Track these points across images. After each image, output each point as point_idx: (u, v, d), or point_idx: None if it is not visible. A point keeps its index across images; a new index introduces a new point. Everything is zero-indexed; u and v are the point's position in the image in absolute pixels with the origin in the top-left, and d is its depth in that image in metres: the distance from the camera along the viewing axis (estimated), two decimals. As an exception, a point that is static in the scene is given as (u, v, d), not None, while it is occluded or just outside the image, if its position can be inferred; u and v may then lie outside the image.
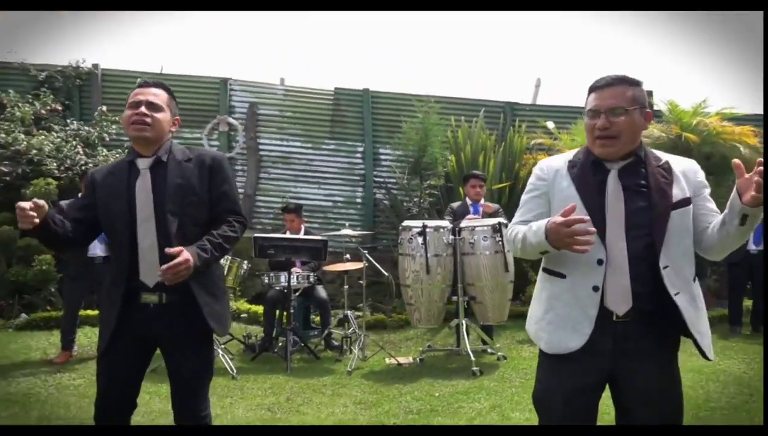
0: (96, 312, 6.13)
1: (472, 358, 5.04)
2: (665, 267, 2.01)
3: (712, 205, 2.13)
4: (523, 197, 2.24)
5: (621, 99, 2.06)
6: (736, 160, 1.92)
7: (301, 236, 5.95)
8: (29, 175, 7.12)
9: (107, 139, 7.99)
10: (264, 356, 5.56)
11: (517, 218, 2.22)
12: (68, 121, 8.02)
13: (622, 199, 2.06)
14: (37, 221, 2.29)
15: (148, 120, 2.48)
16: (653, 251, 2.02)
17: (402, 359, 5.45)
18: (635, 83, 2.10)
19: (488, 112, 8.75)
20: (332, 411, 4.12)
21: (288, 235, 6.02)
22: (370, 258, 5.77)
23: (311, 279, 5.73)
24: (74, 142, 7.55)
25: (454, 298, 5.32)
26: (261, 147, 8.86)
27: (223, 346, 5.44)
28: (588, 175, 2.10)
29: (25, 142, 7.18)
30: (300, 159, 8.94)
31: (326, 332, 5.85)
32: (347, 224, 6.39)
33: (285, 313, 5.70)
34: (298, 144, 8.96)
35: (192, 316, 2.43)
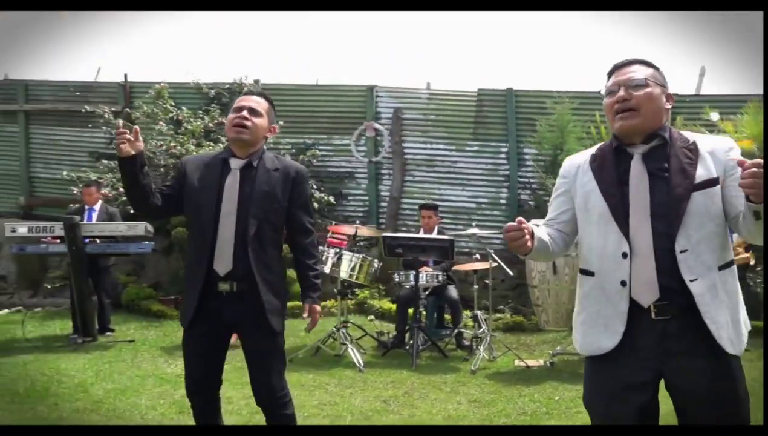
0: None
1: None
2: (682, 251, 1.88)
3: None
4: (551, 197, 2.20)
5: (640, 74, 1.99)
6: (739, 158, 1.76)
7: (434, 235, 6.05)
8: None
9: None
10: (395, 352, 5.74)
11: (546, 218, 2.19)
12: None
13: (646, 185, 1.95)
14: (131, 150, 2.57)
15: (248, 123, 2.74)
16: (671, 237, 1.89)
17: (531, 362, 5.33)
18: (653, 66, 2.04)
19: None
20: (444, 407, 4.17)
21: (420, 234, 6.16)
22: (496, 258, 5.71)
23: (440, 278, 5.80)
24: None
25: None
26: (406, 150, 9.10)
27: (356, 341, 5.71)
28: (609, 166, 2.02)
29: (194, 152, 8.04)
30: (444, 161, 9.04)
31: (456, 331, 5.89)
32: (474, 223, 6.38)
33: (414, 312, 5.83)
34: (442, 146, 9.06)
35: (257, 307, 2.66)
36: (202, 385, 2.79)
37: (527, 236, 1.93)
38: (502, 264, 5.74)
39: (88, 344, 5.97)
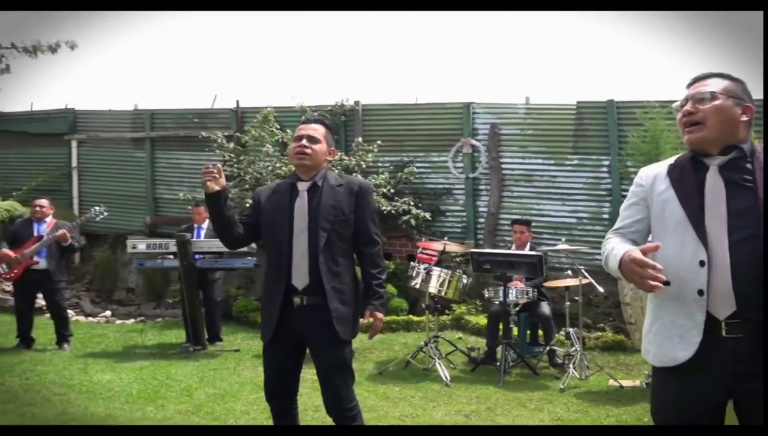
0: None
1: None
2: None
3: None
4: (622, 206, 2.19)
5: (710, 88, 1.99)
6: None
7: (526, 251, 6.01)
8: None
9: (363, 166, 8.95)
10: (485, 368, 5.73)
11: (615, 226, 2.16)
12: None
13: (723, 196, 1.93)
14: (216, 186, 2.88)
15: (308, 151, 2.97)
16: (761, 252, 1.83)
17: (625, 382, 5.15)
18: (734, 79, 2.01)
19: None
20: (525, 424, 4.14)
21: (512, 250, 6.13)
22: (586, 274, 5.57)
23: (530, 294, 5.74)
24: (335, 171, 8.64)
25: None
26: (503, 166, 9.04)
27: (446, 356, 5.77)
28: (687, 175, 2.01)
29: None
30: (542, 176, 8.90)
31: (548, 348, 5.79)
32: (563, 239, 6.24)
33: (505, 328, 5.80)
34: (540, 161, 8.93)
35: (326, 318, 2.83)
36: (278, 394, 3.00)
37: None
38: (592, 281, 5.60)
39: (198, 352, 6.44)
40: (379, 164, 9.25)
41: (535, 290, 5.82)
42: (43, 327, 6.96)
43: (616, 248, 2.02)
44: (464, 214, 9.18)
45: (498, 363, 5.66)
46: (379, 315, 3.01)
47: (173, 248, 6.48)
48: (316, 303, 2.87)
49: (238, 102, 10.53)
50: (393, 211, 8.67)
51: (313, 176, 2.99)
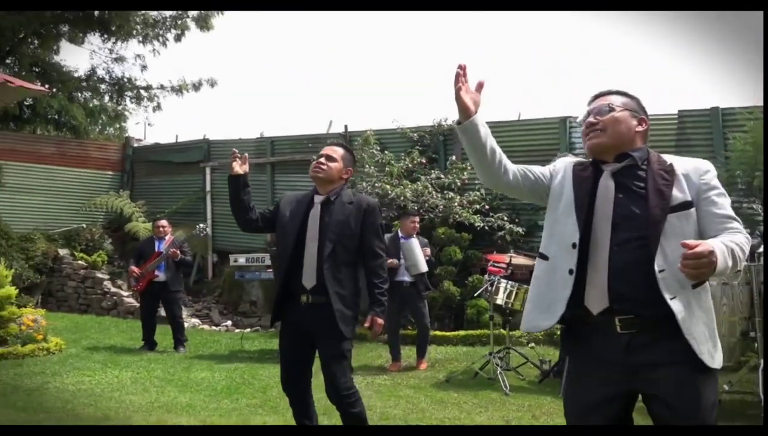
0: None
1: (762, 403, 4.30)
2: (661, 271, 1.94)
3: (720, 208, 2.00)
4: None
5: (608, 102, 2.15)
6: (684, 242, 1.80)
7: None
8: (397, 218, 8.78)
9: (458, 183, 9.18)
10: (550, 380, 5.72)
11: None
12: (432, 171, 9.50)
13: (611, 199, 2.05)
14: (239, 170, 3.37)
15: (324, 167, 3.39)
16: (648, 254, 1.95)
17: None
18: (629, 95, 2.18)
19: None
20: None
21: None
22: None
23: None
24: (430, 188, 8.96)
25: (752, 334, 4.61)
26: (602, 179, 8.85)
27: (513, 369, 5.84)
28: (586, 173, 2.15)
29: (393, 192, 8.86)
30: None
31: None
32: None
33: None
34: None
35: (329, 316, 3.18)
36: (291, 382, 3.39)
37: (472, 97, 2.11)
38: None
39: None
40: (477, 182, 9.42)
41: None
42: (168, 334, 7.89)
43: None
44: (561, 228, 9.09)
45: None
46: (379, 321, 3.34)
47: (268, 262, 7.14)
48: (321, 302, 3.23)
49: (346, 126, 11.23)
50: (487, 227, 8.82)
51: (328, 191, 3.38)
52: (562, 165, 2.25)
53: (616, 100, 2.15)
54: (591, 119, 2.14)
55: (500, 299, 5.83)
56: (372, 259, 3.36)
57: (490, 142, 2.13)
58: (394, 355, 6.56)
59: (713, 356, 1.96)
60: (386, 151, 9.68)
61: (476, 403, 5.01)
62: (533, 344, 7.23)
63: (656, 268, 1.93)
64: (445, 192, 8.96)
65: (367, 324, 3.34)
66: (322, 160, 3.39)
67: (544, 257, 2.18)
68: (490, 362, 5.83)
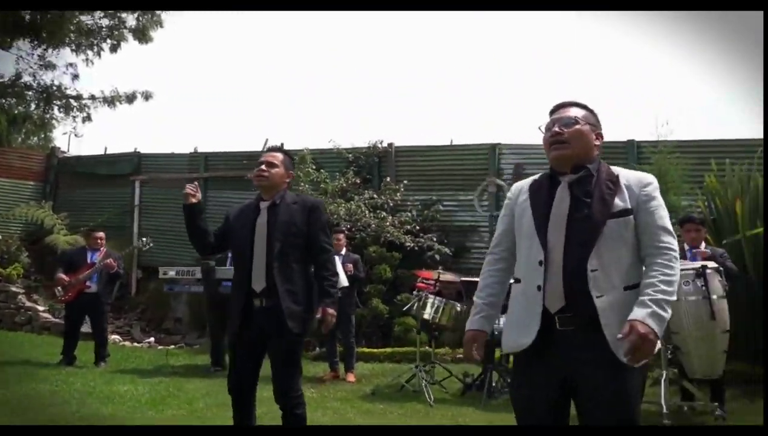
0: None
1: (665, 411, 4.60)
2: (593, 270, 2.12)
3: (658, 220, 2.18)
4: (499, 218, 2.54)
5: (572, 114, 2.30)
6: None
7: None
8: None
9: (391, 204, 9.38)
10: (478, 393, 5.90)
11: (491, 245, 2.51)
12: (365, 191, 9.65)
13: (566, 207, 2.22)
14: (193, 200, 3.42)
15: (266, 174, 3.47)
16: (585, 256, 2.14)
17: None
18: (589, 109, 2.34)
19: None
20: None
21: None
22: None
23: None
24: (363, 207, 9.12)
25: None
26: (527, 204, 9.24)
27: (438, 382, 6.00)
28: (543, 189, 2.32)
29: (327, 210, 8.94)
30: (565, 214, 9.03)
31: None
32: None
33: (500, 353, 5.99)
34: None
35: (279, 315, 3.26)
36: (239, 387, 3.42)
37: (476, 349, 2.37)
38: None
39: (218, 372, 6.92)
40: (408, 203, 9.66)
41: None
42: (87, 349, 7.63)
43: (474, 309, 2.44)
44: (487, 250, 9.40)
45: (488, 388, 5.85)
46: (330, 311, 3.39)
47: (199, 275, 7.07)
48: (272, 304, 3.31)
49: (282, 144, 11.26)
50: (417, 247, 9.03)
51: (273, 196, 3.47)
52: (517, 192, 2.42)
53: (578, 113, 2.31)
54: (556, 129, 2.28)
55: (428, 314, 6.00)
56: (320, 254, 3.44)
57: (497, 304, 2.43)
58: (332, 364, 6.65)
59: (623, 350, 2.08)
60: (322, 170, 9.78)
61: (402, 413, 5.14)
62: (458, 359, 7.43)
63: (589, 267, 2.11)
64: (378, 212, 9.14)
65: (318, 315, 3.39)
66: (263, 167, 3.48)
67: (518, 281, 2.33)
68: (416, 375, 5.96)
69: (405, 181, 9.49)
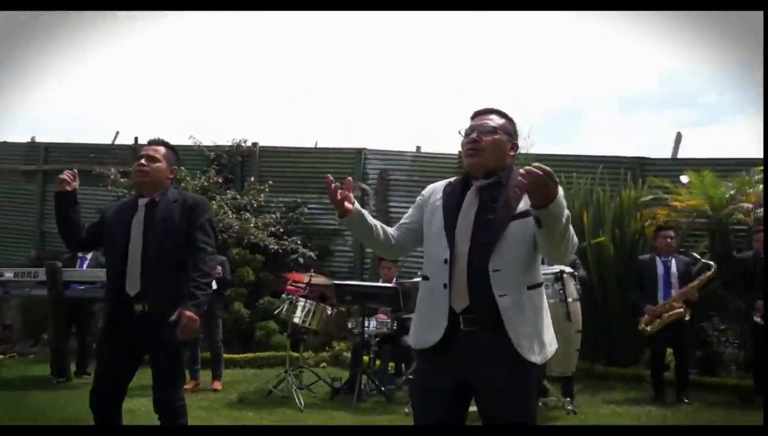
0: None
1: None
2: (495, 270, 2.17)
3: None
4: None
5: (491, 122, 2.33)
6: (524, 169, 1.94)
7: (380, 284, 6.32)
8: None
9: (255, 205, 9.16)
10: (346, 397, 5.90)
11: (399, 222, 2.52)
12: (228, 191, 9.33)
13: (474, 211, 2.27)
14: (67, 188, 3.13)
15: (146, 169, 3.20)
16: (487, 257, 2.19)
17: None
18: (508, 117, 2.38)
19: (613, 168, 8.47)
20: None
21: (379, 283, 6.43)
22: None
23: (389, 326, 6.02)
24: (225, 208, 8.80)
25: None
26: (391, 210, 9.43)
27: (307, 387, 5.93)
28: (455, 191, 2.35)
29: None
30: (427, 220, 9.34)
31: (404, 378, 6.05)
32: (418, 274, 6.56)
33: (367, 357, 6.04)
34: (426, 206, 9.39)
35: (158, 322, 3.01)
36: (106, 396, 3.10)
37: (343, 196, 2.25)
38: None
39: (61, 384, 6.32)
40: (272, 204, 9.48)
41: (396, 322, 6.10)
42: None
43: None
44: (352, 254, 9.51)
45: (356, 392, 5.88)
46: (187, 313, 2.99)
47: (42, 277, 6.42)
48: (149, 309, 3.07)
49: (136, 139, 10.60)
50: (281, 250, 8.88)
51: (153, 193, 3.21)
52: (431, 192, 2.45)
53: (498, 122, 2.34)
54: (475, 136, 2.31)
55: (298, 318, 5.90)
56: (197, 253, 3.20)
57: (374, 224, 2.36)
58: (193, 372, 6.30)
59: (534, 352, 2.17)
60: (182, 168, 9.29)
61: (272, 420, 5.00)
62: (324, 364, 7.40)
63: (491, 267, 2.17)
64: (241, 213, 8.87)
65: (173, 317, 3.01)
66: (143, 161, 3.21)
67: (426, 278, 2.33)
68: (285, 379, 5.84)
69: (270, 182, 9.31)
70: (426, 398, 2.29)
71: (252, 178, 9.42)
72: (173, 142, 9.54)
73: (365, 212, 2.36)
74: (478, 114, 2.40)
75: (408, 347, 6.04)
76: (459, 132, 2.42)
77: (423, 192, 2.50)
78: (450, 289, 2.21)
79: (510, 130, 2.37)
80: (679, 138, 9.09)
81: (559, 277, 5.06)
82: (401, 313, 6.16)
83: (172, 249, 3.15)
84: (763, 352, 5.70)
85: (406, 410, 5.26)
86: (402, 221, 2.49)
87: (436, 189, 2.44)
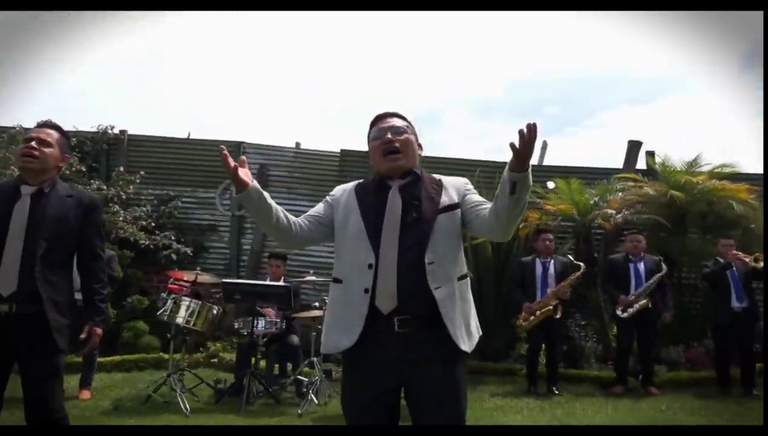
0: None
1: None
2: (430, 263, 2.17)
3: (481, 198, 2.32)
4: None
5: (400, 123, 2.36)
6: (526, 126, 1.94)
7: (271, 282, 6.18)
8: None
9: (123, 197, 8.56)
10: (232, 399, 5.69)
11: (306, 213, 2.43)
12: (91, 181, 8.64)
13: (399, 210, 2.25)
14: None
15: (36, 153, 2.87)
16: (421, 251, 2.18)
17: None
18: (407, 119, 2.41)
19: (487, 173, 8.91)
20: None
21: (268, 281, 6.27)
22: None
23: (279, 326, 5.90)
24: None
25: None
26: (270, 206, 9.24)
27: (188, 389, 5.65)
28: (371, 192, 2.32)
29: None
30: (308, 217, 9.26)
31: (292, 378, 5.96)
32: (311, 271, 6.55)
33: (254, 359, 5.87)
34: (306, 203, 9.28)
35: (41, 327, 2.72)
36: None
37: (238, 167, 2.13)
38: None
39: None
40: (142, 197, 8.93)
41: (284, 321, 5.99)
42: None
43: None
44: (228, 250, 9.19)
45: (244, 394, 5.70)
46: (99, 331, 2.94)
47: None
48: (28, 312, 2.74)
49: (-12, 119, 9.50)
50: (152, 246, 8.39)
51: (41, 182, 2.88)
52: (342, 192, 2.40)
53: (403, 123, 2.37)
54: (389, 137, 2.31)
55: (182, 318, 5.60)
56: (92, 260, 2.97)
57: (274, 206, 2.24)
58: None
59: (465, 341, 2.22)
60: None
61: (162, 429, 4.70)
62: (199, 367, 7.09)
63: (426, 260, 2.17)
64: (110, 205, 8.25)
65: (83, 335, 2.89)
66: (34, 144, 2.88)
67: (338, 281, 2.28)
68: (167, 383, 5.53)
69: (142, 173, 8.74)
70: (359, 406, 2.25)
71: (121, 169, 8.78)
72: (29, 125, 8.79)
73: (265, 192, 2.22)
74: (380, 117, 2.41)
75: (296, 347, 5.99)
76: (368, 137, 2.40)
77: (332, 192, 2.46)
78: (373, 292, 2.18)
79: (414, 130, 2.42)
80: (545, 146, 9.76)
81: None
82: (290, 312, 6.08)
83: (63, 250, 2.88)
84: (626, 342, 6.29)
85: (299, 411, 5.20)
86: (311, 213, 2.41)
87: (346, 190, 2.41)
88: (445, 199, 2.29)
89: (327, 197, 2.44)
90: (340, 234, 2.33)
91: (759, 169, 7.74)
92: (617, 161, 8.86)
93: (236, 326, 5.94)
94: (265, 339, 5.98)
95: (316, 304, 6.16)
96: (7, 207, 2.81)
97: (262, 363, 6.14)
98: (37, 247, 2.77)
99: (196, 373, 6.15)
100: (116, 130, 9.38)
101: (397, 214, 2.25)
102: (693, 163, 7.57)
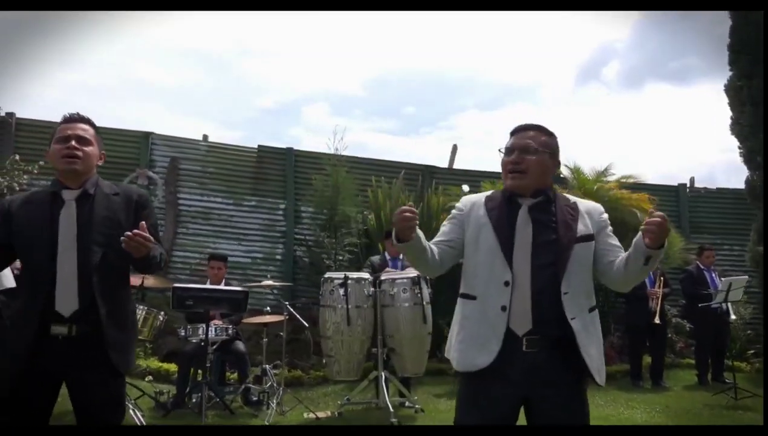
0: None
1: (391, 410, 5.07)
2: (565, 293, 2.20)
3: (615, 241, 2.35)
4: (443, 223, 2.44)
5: (534, 141, 2.32)
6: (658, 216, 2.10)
7: (222, 286, 5.89)
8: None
9: (17, 188, 7.68)
10: (178, 412, 5.37)
11: (433, 240, 2.39)
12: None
13: (530, 230, 2.27)
14: None
15: (79, 153, 2.56)
16: (557, 279, 2.20)
17: (320, 413, 5.41)
18: (549, 133, 2.38)
19: (408, 175, 9.11)
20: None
21: (208, 285, 5.95)
22: (292, 310, 5.75)
23: (230, 332, 5.65)
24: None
25: (374, 350, 5.36)
26: (181, 202, 8.75)
27: (134, 401, 5.23)
28: (502, 207, 2.32)
29: None
30: (220, 215, 8.89)
31: (242, 387, 5.73)
32: (269, 275, 6.36)
33: (201, 368, 5.56)
34: (219, 199, 8.92)
35: (98, 348, 2.43)
36: None
37: (416, 223, 2.12)
38: (298, 316, 5.78)
39: None
40: (34, 187, 8.04)
41: (234, 328, 5.74)
42: None
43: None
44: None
45: (191, 406, 5.40)
46: (151, 240, 2.44)
47: None
48: (85, 331, 2.42)
49: None
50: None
51: (83, 184, 2.55)
52: (470, 206, 2.37)
53: (539, 140, 2.32)
54: (515, 157, 2.30)
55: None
56: (147, 269, 2.65)
57: (428, 245, 2.27)
58: None
59: (601, 374, 2.26)
60: None
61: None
62: (150, 378, 6.58)
63: (562, 290, 2.19)
64: (6, 198, 7.34)
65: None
66: (74, 144, 2.54)
67: (472, 297, 2.25)
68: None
69: (41, 163, 7.88)
70: (477, 418, 2.24)
71: (17, 157, 7.84)
72: None
73: (422, 234, 2.23)
74: (518, 130, 2.39)
75: (242, 354, 5.77)
76: (499, 150, 2.41)
77: (459, 205, 2.44)
78: (510, 311, 2.20)
79: (553, 146, 2.37)
80: (454, 150, 10.13)
81: (416, 281, 5.31)
82: (239, 318, 5.84)
83: (117, 254, 2.50)
84: None
85: (267, 421, 5.03)
86: (439, 238, 2.39)
87: (475, 203, 2.39)
88: (581, 228, 2.29)
89: (454, 212, 2.41)
90: (470, 248, 2.32)
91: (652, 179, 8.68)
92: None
93: (182, 333, 5.59)
94: (213, 347, 5.69)
95: (268, 309, 5.96)
96: (52, 217, 2.47)
97: (201, 373, 5.82)
98: (92, 255, 2.45)
99: (139, 385, 5.69)
100: (2, 113, 8.39)
101: (528, 234, 2.25)
102: (603, 173, 8.28)
